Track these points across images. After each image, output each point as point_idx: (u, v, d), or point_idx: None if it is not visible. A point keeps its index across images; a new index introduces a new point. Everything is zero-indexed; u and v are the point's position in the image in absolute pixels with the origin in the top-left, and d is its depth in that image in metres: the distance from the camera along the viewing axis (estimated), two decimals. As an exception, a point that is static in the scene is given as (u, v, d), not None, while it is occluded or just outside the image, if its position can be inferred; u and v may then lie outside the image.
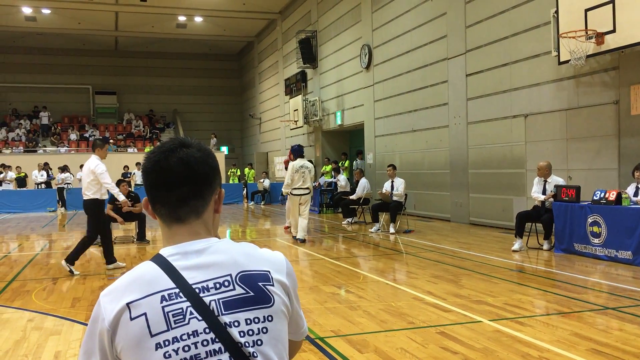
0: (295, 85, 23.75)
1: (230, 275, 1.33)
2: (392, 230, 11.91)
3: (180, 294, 1.28)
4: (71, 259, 7.91)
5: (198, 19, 27.50)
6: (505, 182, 11.87)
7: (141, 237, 11.50)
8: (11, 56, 31.50)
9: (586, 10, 9.12)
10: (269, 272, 1.37)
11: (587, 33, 9.08)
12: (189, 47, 32.96)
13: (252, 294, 1.32)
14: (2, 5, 24.31)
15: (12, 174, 22.37)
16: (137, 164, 24.53)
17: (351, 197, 14.64)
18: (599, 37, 8.97)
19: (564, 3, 9.59)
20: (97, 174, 7.96)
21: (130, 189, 12.03)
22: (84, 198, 8.13)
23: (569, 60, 9.42)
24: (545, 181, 9.14)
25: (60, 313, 5.72)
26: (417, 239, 10.83)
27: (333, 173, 17.77)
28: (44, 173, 22.87)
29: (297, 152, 11.14)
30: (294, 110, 23.07)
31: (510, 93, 11.63)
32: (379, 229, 12.26)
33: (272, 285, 1.36)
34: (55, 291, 6.85)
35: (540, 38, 10.73)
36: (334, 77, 20.51)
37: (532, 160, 10.88)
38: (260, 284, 1.34)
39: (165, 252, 1.35)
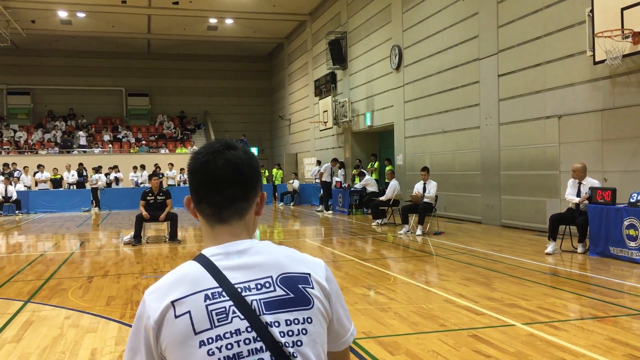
0: (325, 86, 23.79)
1: (271, 277, 1.35)
2: (419, 232, 11.85)
3: (223, 293, 1.30)
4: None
5: (229, 21, 27.75)
6: (538, 184, 11.70)
7: (173, 237, 11.64)
8: (47, 59, 32.26)
9: (622, 9, 8.94)
10: (309, 274, 1.39)
11: (623, 32, 8.89)
12: (220, 49, 33.28)
13: (292, 295, 1.34)
14: (39, 9, 24.93)
15: (47, 174, 22.90)
16: (170, 164, 24.88)
17: (381, 198, 14.61)
18: (636, 36, 8.78)
19: (599, 2, 9.41)
20: None
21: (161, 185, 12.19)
22: None
23: (605, 60, 9.25)
24: (580, 183, 8.98)
25: (95, 311, 5.84)
26: (447, 241, 10.74)
27: (358, 177, 17.79)
28: (74, 173, 23.36)
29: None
30: (324, 112, 23.11)
31: (543, 94, 11.46)
32: (408, 231, 12.19)
33: (312, 288, 1.37)
34: (90, 289, 6.99)
35: (574, 38, 10.55)
36: (364, 78, 20.48)
37: (566, 162, 10.70)
38: (300, 286, 1.36)
39: (207, 252, 1.38)
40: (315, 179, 22.67)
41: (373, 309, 5.72)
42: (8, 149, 28.57)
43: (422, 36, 16.17)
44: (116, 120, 33.56)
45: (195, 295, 1.30)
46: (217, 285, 1.31)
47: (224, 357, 1.26)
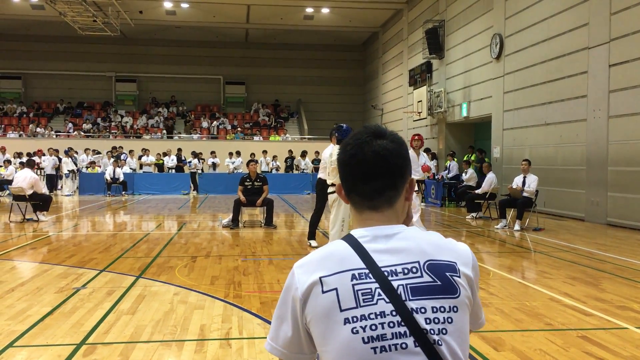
0: (420, 76, 23.44)
1: (419, 262, 1.35)
2: (517, 227, 11.46)
3: (370, 275, 1.33)
4: (310, 235, 9.30)
5: (325, 10, 27.92)
6: (650, 182, 10.98)
7: (268, 222, 11.94)
8: (152, 48, 33.91)
9: None
10: (455, 263, 1.38)
11: None
12: (315, 38, 33.59)
13: (439, 283, 1.34)
14: (147, 0, 26.21)
15: (152, 158, 24.15)
16: (264, 151, 25.49)
17: (477, 191, 14.25)
18: None
19: None
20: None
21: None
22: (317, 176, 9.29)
23: None
24: (701, 182, 8.34)
25: (201, 289, 6.11)
26: (548, 238, 10.33)
27: (463, 165, 17.43)
28: (174, 158, 24.47)
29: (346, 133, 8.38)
30: (418, 102, 22.80)
31: (660, 85, 10.71)
32: (505, 225, 11.84)
33: (459, 276, 1.37)
34: (195, 269, 7.32)
35: (699, 24, 9.76)
36: (461, 68, 19.99)
37: (683, 159, 9.97)
38: (447, 274, 1.36)
39: (356, 233, 1.41)
40: None
41: (473, 303, 5.60)
42: (115, 133, 30.35)
43: (525, 24, 15.54)
44: (214, 107, 34.75)
45: (342, 273, 1.33)
46: (364, 266, 1.34)
47: (368, 337, 1.28)
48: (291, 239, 10.34)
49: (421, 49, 22.91)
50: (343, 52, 35.36)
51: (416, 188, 9.98)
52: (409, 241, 1.38)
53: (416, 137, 10.13)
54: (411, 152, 9.93)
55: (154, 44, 33.88)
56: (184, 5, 27.14)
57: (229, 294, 5.90)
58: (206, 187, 23.03)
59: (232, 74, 34.82)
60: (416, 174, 9.91)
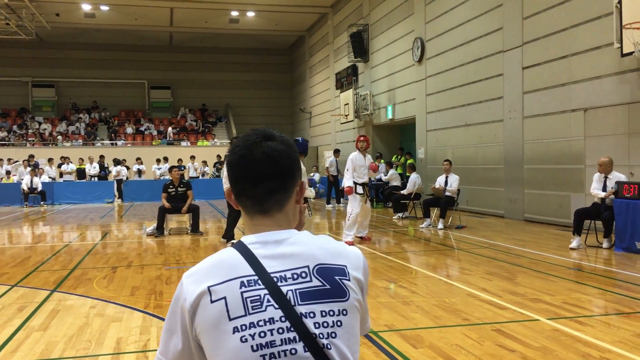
0: (346, 79, 23.71)
1: (308, 267, 1.34)
2: (440, 225, 11.79)
3: (259, 282, 1.31)
4: (227, 236, 9.85)
5: (250, 14, 27.78)
6: (562, 178, 11.55)
7: (195, 228, 11.74)
8: (71, 52, 32.62)
9: (652, 0, 8.75)
10: (345, 267, 1.38)
11: (652, 24, 8.71)
12: (241, 42, 33.34)
13: (328, 287, 1.33)
14: (63, 2, 25.19)
15: (72, 166, 23.19)
16: (192, 157, 25.06)
17: (402, 192, 14.56)
18: (666, 27, 8.60)
19: (628, -7, 9.23)
20: None
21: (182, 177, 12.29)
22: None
23: (633, 52, 9.07)
24: (606, 177, 8.84)
25: (120, 301, 5.91)
26: (469, 235, 10.67)
27: (385, 167, 17.67)
28: (97, 165, 23.61)
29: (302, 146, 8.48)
30: (345, 105, 23.05)
31: (569, 86, 11.29)
32: (430, 225, 12.14)
33: (348, 280, 1.37)
34: (115, 280, 7.08)
35: (601, 29, 10.36)
36: (385, 71, 20.37)
37: (591, 156, 10.55)
38: (336, 278, 1.35)
39: (246, 240, 1.39)
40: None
41: (395, 302, 5.71)
42: (33, 140, 28.99)
43: (445, 28, 16.02)
44: (138, 112, 33.85)
45: (231, 281, 1.31)
46: (254, 273, 1.32)
47: (257, 345, 1.26)
48: (218, 245, 10.19)
49: (347, 52, 23.19)
50: (270, 56, 35.28)
51: (361, 191, 9.87)
52: (299, 246, 1.37)
53: (361, 139, 10.03)
54: (357, 153, 9.95)
55: (73, 48, 32.63)
56: (104, 8, 26.28)
57: (149, 305, 5.74)
58: (131, 194, 22.37)
59: (157, 78, 34.02)
60: (363, 177, 9.84)
